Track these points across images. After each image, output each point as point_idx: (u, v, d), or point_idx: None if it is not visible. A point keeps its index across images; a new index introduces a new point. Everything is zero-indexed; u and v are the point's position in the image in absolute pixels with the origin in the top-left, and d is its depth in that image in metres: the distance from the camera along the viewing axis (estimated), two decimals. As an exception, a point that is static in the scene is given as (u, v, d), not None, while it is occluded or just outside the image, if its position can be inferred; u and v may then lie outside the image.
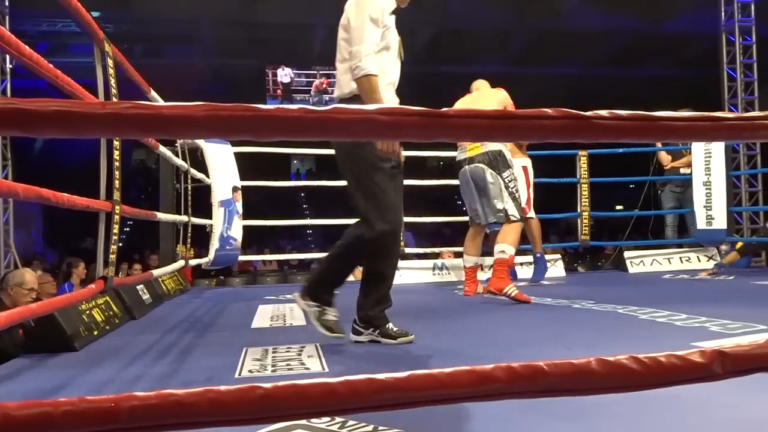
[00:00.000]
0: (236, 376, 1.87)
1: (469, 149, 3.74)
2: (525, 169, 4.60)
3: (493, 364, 0.84)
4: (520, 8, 11.68)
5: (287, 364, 1.99)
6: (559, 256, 5.32)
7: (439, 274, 4.93)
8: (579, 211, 5.27)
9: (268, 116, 0.75)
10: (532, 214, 4.54)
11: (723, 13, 6.85)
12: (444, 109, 0.86)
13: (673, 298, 3.31)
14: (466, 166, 3.75)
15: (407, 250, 5.03)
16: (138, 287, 3.38)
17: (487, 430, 1.29)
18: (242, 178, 4.82)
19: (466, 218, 4.68)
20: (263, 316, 3.18)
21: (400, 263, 4.92)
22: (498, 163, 3.67)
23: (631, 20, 11.96)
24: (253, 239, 10.64)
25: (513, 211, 3.63)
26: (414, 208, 5.44)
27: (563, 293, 3.72)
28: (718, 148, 5.19)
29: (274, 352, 2.17)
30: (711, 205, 5.20)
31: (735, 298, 3.45)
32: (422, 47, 13.11)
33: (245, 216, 4.86)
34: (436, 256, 5.69)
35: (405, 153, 5.20)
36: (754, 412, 1.37)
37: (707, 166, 5.23)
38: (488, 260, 4.52)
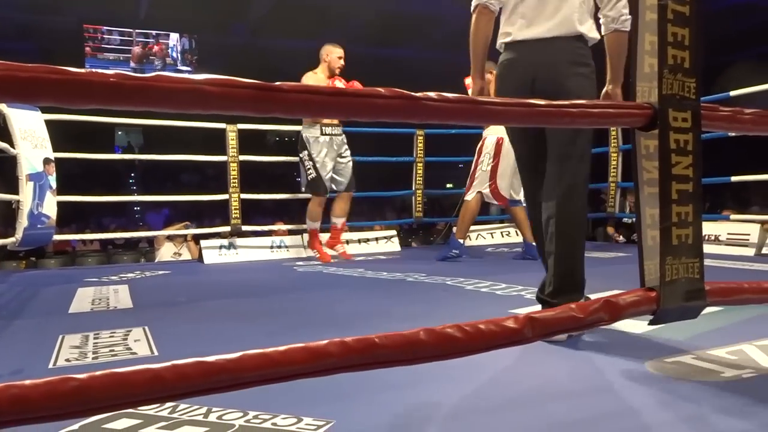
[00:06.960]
0: (50, 366, 1.70)
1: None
2: (499, 141, 4.15)
3: (327, 339, 0.85)
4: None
5: (111, 350, 1.85)
6: (395, 232, 5.51)
7: (277, 251, 4.88)
8: (414, 189, 5.51)
9: (78, 81, 0.67)
10: (469, 195, 4.23)
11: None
12: (278, 83, 0.84)
13: (494, 270, 3.60)
14: None
15: (243, 228, 4.88)
16: (-75, 272, 2.92)
17: (324, 404, 1.31)
18: (58, 150, 4.33)
19: (306, 195, 4.68)
20: (83, 300, 2.92)
21: (237, 241, 4.80)
22: (299, 143, 4.33)
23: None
24: (72, 217, 9.71)
25: (305, 186, 4.42)
26: (253, 184, 5.31)
27: (398, 267, 3.88)
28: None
29: (95, 338, 2.00)
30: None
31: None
32: (259, 19, 12.68)
33: (62, 191, 4.39)
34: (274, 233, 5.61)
35: (241, 127, 5.09)
36: (552, 374, 1.55)
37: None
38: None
